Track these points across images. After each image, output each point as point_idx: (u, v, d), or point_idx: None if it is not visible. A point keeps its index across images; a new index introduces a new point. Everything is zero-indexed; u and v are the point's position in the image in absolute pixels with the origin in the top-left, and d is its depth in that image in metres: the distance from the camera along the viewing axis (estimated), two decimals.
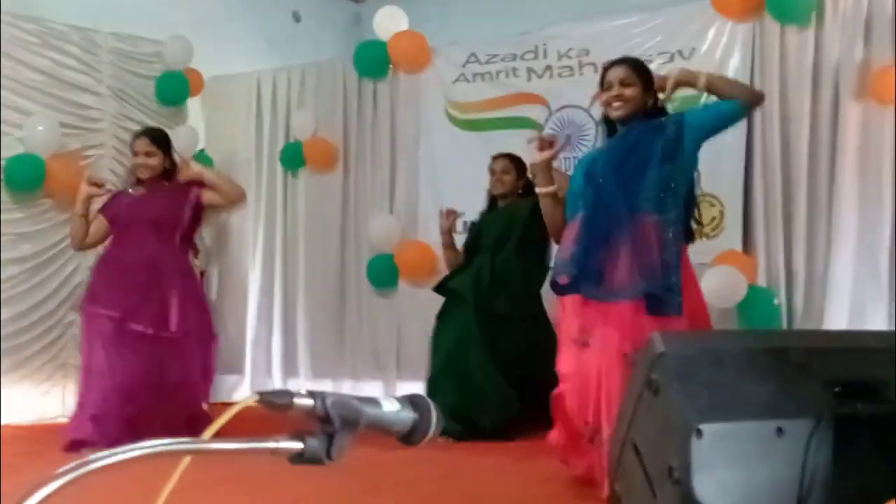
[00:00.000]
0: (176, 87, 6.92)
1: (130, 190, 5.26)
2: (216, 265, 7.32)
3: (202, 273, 7.21)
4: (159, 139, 5.29)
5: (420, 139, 6.53)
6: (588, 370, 3.69)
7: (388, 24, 6.54)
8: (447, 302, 5.57)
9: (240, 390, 6.98)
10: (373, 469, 4.17)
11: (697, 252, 5.26)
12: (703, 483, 2.34)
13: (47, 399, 6.09)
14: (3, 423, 5.52)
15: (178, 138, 6.75)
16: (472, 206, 5.71)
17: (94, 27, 6.57)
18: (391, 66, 6.61)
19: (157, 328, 5.00)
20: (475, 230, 5.64)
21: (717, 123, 3.87)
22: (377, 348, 6.62)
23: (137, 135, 5.35)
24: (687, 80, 3.88)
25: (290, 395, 1.07)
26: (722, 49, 5.48)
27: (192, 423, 4.95)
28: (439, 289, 5.63)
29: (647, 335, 3.46)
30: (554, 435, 3.93)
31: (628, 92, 3.85)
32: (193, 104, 7.23)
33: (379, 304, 6.65)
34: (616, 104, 3.86)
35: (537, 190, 4.19)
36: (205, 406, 5.30)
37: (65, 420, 5.46)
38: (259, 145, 7.14)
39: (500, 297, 5.30)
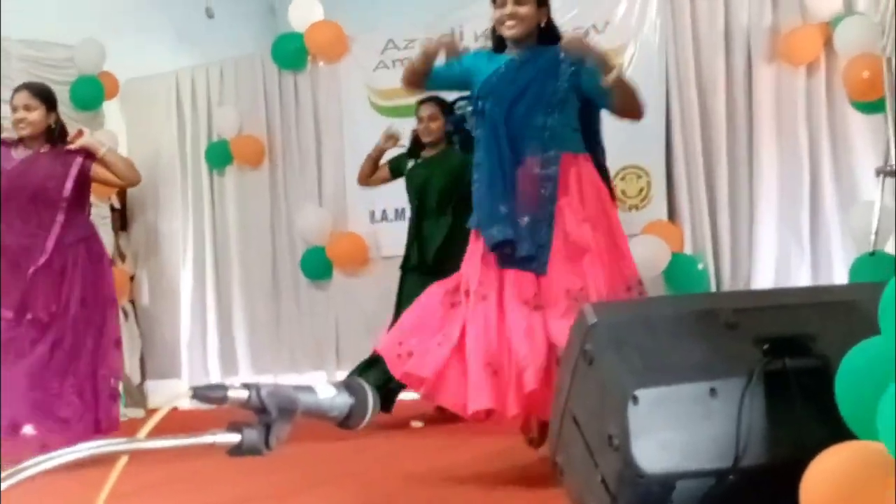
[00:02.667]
0: (91, 92, 6.81)
1: (13, 152, 4.76)
2: (145, 269, 7.24)
3: (131, 277, 7.13)
4: (42, 93, 4.82)
5: (343, 128, 6.51)
6: (488, 320, 3.63)
7: (304, 14, 6.51)
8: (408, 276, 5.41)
9: (178, 399, 6.90)
10: (317, 461, 4.18)
11: (627, 224, 5.31)
12: (643, 448, 2.38)
13: None
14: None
15: None
16: (399, 194, 5.66)
17: (3, 36, 6.42)
18: (310, 56, 6.58)
19: (49, 313, 4.66)
20: (413, 181, 5.47)
21: (596, 102, 3.75)
22: (316, 340, 6.61)
23: (17, 89, 4.89)
24: (601, 64, 3.64)
25: (223, 388, 1.07)
26: (636, 20, 5.55)
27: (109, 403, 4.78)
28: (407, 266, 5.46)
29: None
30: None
31: (522, 10, 3.69)
32: (110, 108, 7.13)
33: (315, 297, 6.64)
34: (510, 23, 3.69)
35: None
36: (119, 383, 5.04)
37: None
38: (182, 145, 7.08)
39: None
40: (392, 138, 5.62)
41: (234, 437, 1.06)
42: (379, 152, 5.64)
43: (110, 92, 6.93)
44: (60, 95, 6.59)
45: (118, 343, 5.01)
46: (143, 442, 1.01)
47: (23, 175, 4.71)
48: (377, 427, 4.80)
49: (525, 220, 3.66)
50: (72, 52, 6.75)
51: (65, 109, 6.66)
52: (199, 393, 1.05)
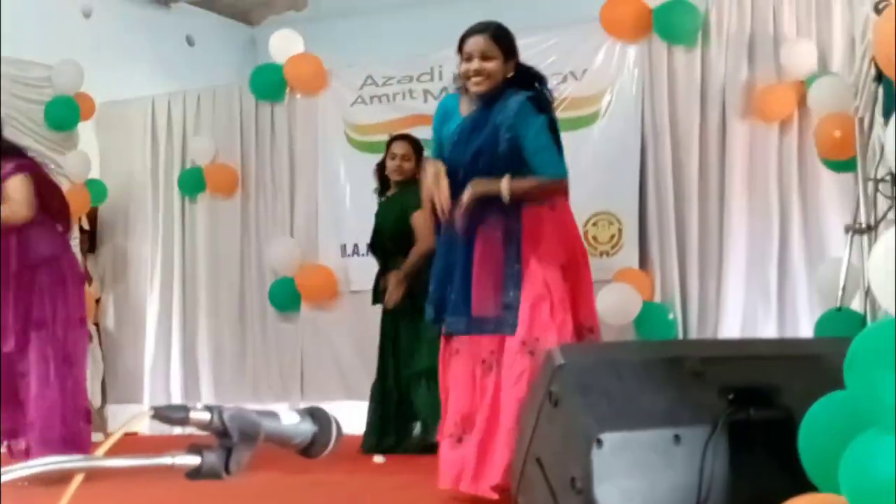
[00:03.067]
0: (66, 112, 6.78)
1: None
2: (112, 293, 7.18)
3: (97, 300, 7.07)
4: None
5: (318, 162, 6.51)
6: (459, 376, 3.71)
7: (284, 46, 6.52)
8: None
9: (138, 419, 6.82)
10: (272, 494, 4.12)
11: (598, 269, 5.33)
12: (606, 492, 2.38)
13: None
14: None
15: (69, 164, 6.64)
16: (370, 230, 5.66)
17: None
18: (288, 89, 6.58)
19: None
20: (378, 219, 5.49)
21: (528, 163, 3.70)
22: (281, 371, 6.56)
23: None
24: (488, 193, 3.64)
25: (185, 409, 1.06)
26: (613, 69, 5.60)
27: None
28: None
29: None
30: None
31: (489, 66, 3.67)
32: (85, 130, 7.09)
33: (282, 328, 6.59)
34: (476, 79, 3.67)
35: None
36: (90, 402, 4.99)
37: None
38: (155, 170, 7.04)
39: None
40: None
41: (194, 460, 1.04)
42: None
43: (86, 113, 6.90)
44: (36, 115, 6.62)
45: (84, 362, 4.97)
46: (100, 460, 0.99)
47: None
48: (337, 460, 4.73)
49: (484, 283, 3.66)
50: (50, 72, 6.72)
51: (39, 129, 6.66)
52: (160, 413, 1.03)
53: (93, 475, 1.00)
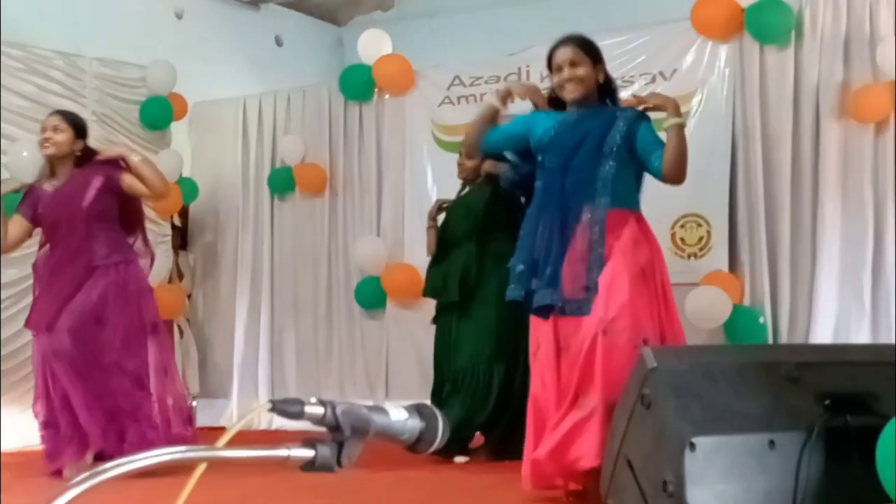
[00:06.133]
0: (160, 112, 6.94)
1: (46, 185, 4.82)
2: (202, 289, 7.33)
3: (188, 296, 7.22)
4: (72, 118, 4.85)
5: (406, 162, 6.55)
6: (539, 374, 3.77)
7: (373, 47, 6.58)
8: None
9: (226, 414, 6.97)
10: (361, 490, 4.17)
11: (686, 272, 5.32)
12: (698, 496, 2.36)
13: (34, 425, 6.03)
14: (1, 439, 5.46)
15: (162, 162, 6.79)
16: None
17: (79, 52, 6.59)
18: (376, 89, 6.65)
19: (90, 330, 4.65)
20: (446, 217, 5.52)
21: (642, 161, 3.81)
22: (366, 369, 6.63)
23: (51, 113, 4.93)
24: (664, 108, 3.80)
25: (300, 403, 1.08)
26: (703, 69, 5.54)
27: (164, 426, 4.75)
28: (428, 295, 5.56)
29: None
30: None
31: (580, 72, 3.79)
32: (177, 129, 7.25)
33: (367, 326, 6.66)
34: (570, 87, 3.80)
35: (485, 98, 4.28)
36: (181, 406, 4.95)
37: None
38: (245, 169, 7.16)
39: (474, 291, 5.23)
40: (438, 202, 5.69)
41: (308, 453, 1.07)
42: (433, 220, 5.65)
43: (179, 113, 7.05)
44: (131, 114, 6.80)
45: (166, 370, 4.93)
46: (220, 450, 1.02)
47: (55, 202, 4.74)
48: (420, 457, 4.77)
49: (571, 267, 3.69)
50: (144, 72, 6.89)
51: (134, 128, 6.84)
52: (277, 406, 1.06)
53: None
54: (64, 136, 4.74)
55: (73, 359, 4.64)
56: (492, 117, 4.03)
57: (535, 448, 3.70)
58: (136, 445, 4.48)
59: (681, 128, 3.79)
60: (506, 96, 4.01)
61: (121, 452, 4.50)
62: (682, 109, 5.54)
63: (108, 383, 4.70)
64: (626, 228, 3.72)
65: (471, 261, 5.22)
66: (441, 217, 5.58)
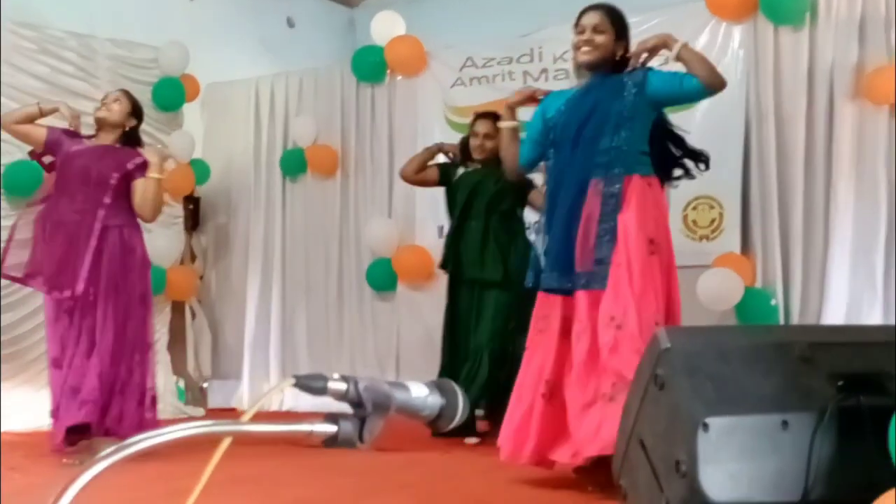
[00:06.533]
0: (172, 93, 6.95)
1: (85, 141, 4.89)
2: (213, 270, 7.35)
3: (200, 277, 7.24)
4: (133, 99, 5.01)
5: (418, 143, 6.54)
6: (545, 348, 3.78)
7: (385, 28, 6.58)
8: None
9: (237, 394, 7.00)
10: (372, 470, 4.19)
11: (698, 254, 5.32)
12: (711, 476, 2.37)
13: (47, 406, 6.06)
14: (1, 429, 5.48)
15: (174, 144, 6.81)
16: None
17: (92, 33, 6.60)
18: (388, 70, 6.64)
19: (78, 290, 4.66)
20: (464, 185, 5.45)
21: (676, 95, 3.81)
22: (377, 351, 6.65)
23: (116, 90, 5.11)
24: (664, 44, 3.74)
25: (324, 378, 1.09)
26: (717, 50, 5.51)
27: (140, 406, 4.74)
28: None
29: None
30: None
31: (599, 38, 3.79)
32: (190, 110, 7.26)
33: (378, 308, 6.68)
34: (585, 49, 3.80)
35: (500, 124, 4.29)
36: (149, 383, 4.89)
37: None
38: (257, 151, 7.18)
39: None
40: (451, 152, 5.64)
41: (331, 428, 1.08)
42: (437, 151, 5.64)
43: (191, 94, 7.07)
44: (143, 95, 6.79)
45: (146, 347, 4.91)
46: (244, 425, 1.03)
47: (88, 157, 4.79)
48: (431, 438, 4.80)
49: (584, 240, 3.69)
50: (156, 53, 6.90)
51: (146, 110, 6.83)
52: (301, 382, 1.07)
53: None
54: (122, 106, 4.89)
55: (86, 321, 4.70)
56: (515, 136, 4.13)
57: (514, 422, 3.79)
58: (134, 427, 4.53)
59: (687, 45, 3.75)
60: (513, 109, 4.15)
61: (117, 432, 4.59)
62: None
63: (113, 351, 4.72)
64: (636, 196, 3.69)
65: (502, 237, 5.25)
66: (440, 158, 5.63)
